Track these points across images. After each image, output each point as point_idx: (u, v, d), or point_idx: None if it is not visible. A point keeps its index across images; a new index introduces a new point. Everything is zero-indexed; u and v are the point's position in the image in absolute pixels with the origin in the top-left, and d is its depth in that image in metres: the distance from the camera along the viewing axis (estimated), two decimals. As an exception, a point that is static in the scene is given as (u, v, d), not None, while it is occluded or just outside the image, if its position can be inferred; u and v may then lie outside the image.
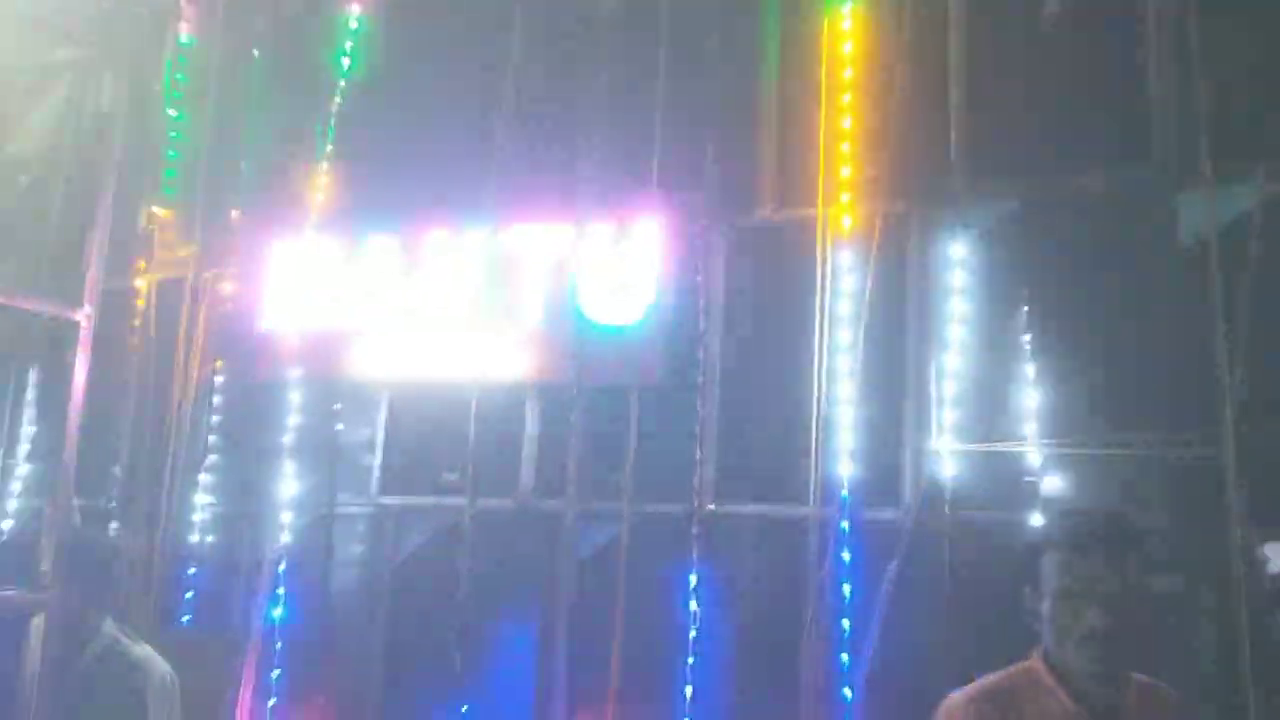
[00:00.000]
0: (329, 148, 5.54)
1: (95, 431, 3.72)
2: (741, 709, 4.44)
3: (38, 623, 2.14)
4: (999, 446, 4.05)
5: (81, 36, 4.59)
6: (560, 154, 5.04)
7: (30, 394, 6.20)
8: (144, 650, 3.58)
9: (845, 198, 4.47)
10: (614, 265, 4.79)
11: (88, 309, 2.23)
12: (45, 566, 2.15)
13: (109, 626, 3.57)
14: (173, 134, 6.07)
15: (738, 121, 4.85)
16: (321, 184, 5.52)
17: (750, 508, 4.58)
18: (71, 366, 2.36)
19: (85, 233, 6.06)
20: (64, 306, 2.25)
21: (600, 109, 5.06)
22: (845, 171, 4.49)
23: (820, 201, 4.53)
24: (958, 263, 4.24)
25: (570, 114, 5.07)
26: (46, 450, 5.98)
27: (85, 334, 2.23)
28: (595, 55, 5.14)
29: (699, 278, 4.73)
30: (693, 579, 4.46)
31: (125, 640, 3.58)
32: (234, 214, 5.80)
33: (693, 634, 4.43)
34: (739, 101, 4.87)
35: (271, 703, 5.10)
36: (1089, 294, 4.10)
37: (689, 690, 4.38)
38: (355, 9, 5.66)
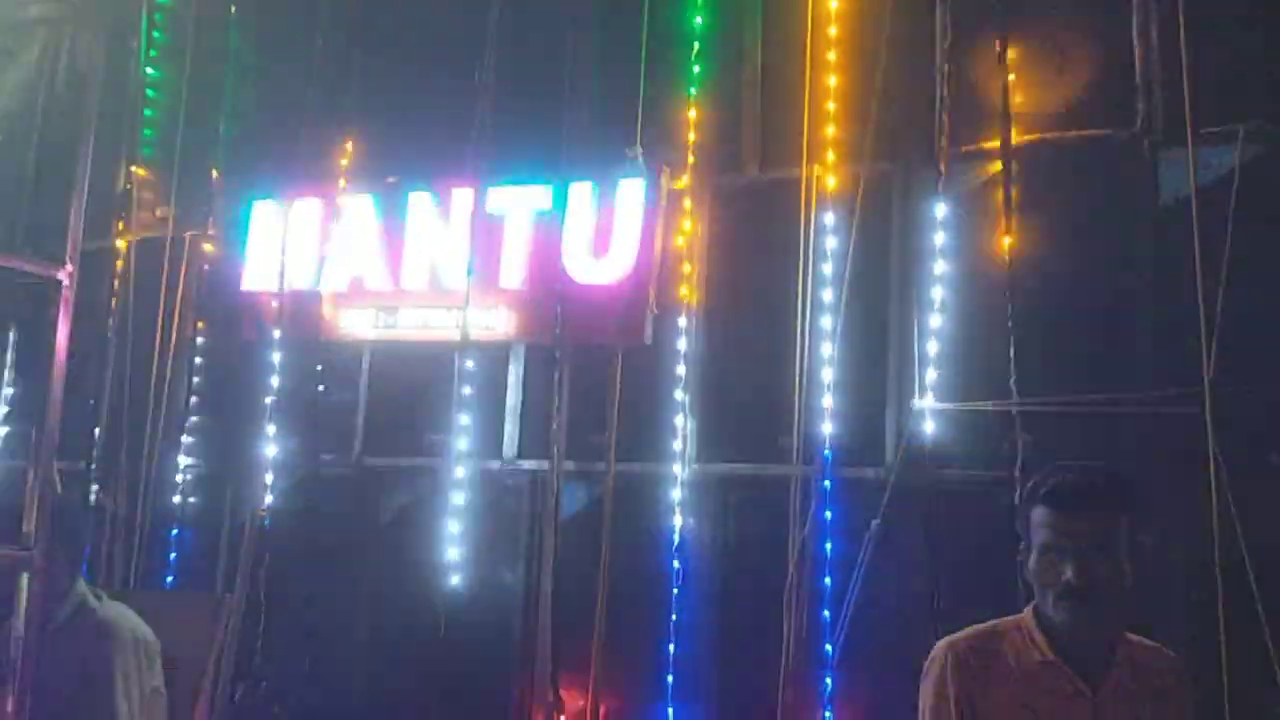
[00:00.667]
0: (309, 108, 5.48)
1: (75, 393, 3.71)
2: (725, 665, 4.49)
3: (24, 582, 2.14)
4: (981, 406, 4.07)
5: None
6: (544, 115, 5.00)
7: (8, 356, 6.15)
8: (114, 610, 3.56)
9: (829, 157, 4.47)
10: (598, 226, 4.78)
11: (69, 268, 2.21)
12: (29, 527, 2.15)
13: (81, 586, 3.56)
14: (150, 92, 6.00)
15: (721, 80, 4.83)
16: (301, 144, 5.47)
17: (733, 467, 4.61)
18: (51, 327, 2.33)
19: (63, 192, 6.04)
20: (45, 265, 2.23)
21: (584, 69, 5.03)
22: (829, 131, 4.48)
23: (804, 161, 4.52)
24: (940, 222, 4.24)
25: (554, 74, 5.03)
26: (26, 412, 5.95)
27: (67, 293, 2.21)
28: (579, 14, 5.10)
29: (682, 238, 4.72)
30: (676, 538, 4.50)
31: (94, 601, 3.57)
32: (213, 174, 5.74)
33: (676, 592, 4.47)
34: (723, 60, 4.84)
35: (255, 662, 5.14)
36: (1071, 253, 4.12)
37: (672, 647, 4.43)
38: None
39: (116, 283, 5.80)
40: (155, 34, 5.99)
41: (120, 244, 5.87)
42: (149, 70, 5.98)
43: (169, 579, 5.46)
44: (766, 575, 4.34)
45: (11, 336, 6.17)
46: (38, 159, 6.21)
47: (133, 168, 5.96)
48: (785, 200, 4.56)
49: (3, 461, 5.97)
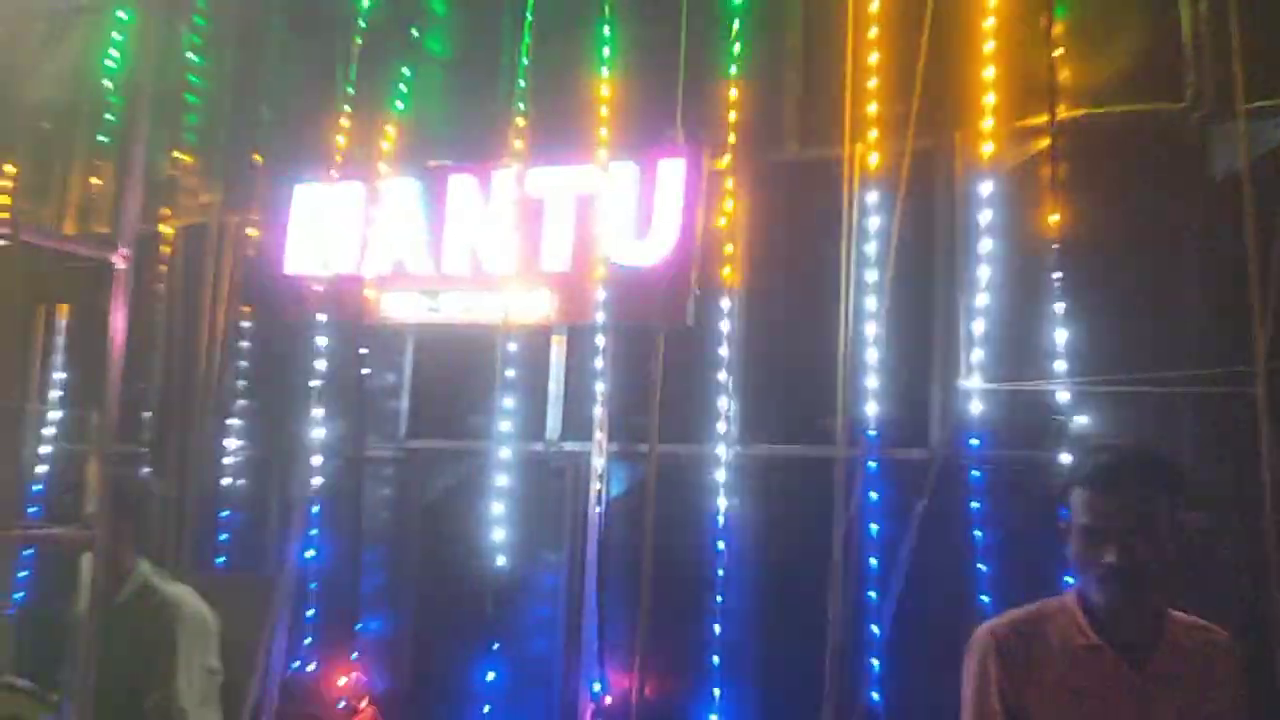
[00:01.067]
0: (351, 90, 5.51)
1: (125, 377, 3.76)
2: (770, 648, 4.49)
3: (86, 560, 2.18)
4: (1028, 385, 4.03)
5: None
6: (584, 96, 4.99)
7: (60, 340, 6.24)
8: (178, 590, 3.65)
9: (872, 135, 4.43)
10: (639, 207, 4.77)
11: (124, 251, 2.23)
12: (91, 507, 2.19)
13: (144, 566, 3.65)
14: (192, 79, 6.05)
15: (762, 58, 4.79)
16: (344, 127, 5.50)
17: (777, 448, 4.60)
18: (102, 311, 2.37)
19: (112, 178, 6.10)
20: (101, 249, 2.26)
21: (623, 49, 5.01)
22: (872, 108, 4.44)
23: (847, 139, 4.48)
24: (986, 200, 4.19)
25: (594, 55, 5.01)
26: (77, 395, 6.03)
27: (122, 276, 2.24)
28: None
29: (724, 219, 4.70)
30: (720, 519, 4.50)
31: (159, 580, 3.65)
32: (256, 158, 5.79)
33: (720, 574, 4.47)
34: (763, 38, 4.80)
35: (306, 642, 5.21)
36: (1119, 230, 4.06)
37: (717, 628, 4.44)
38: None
39: (163, 268, 5.87)
40: (196, 20, 6.03)
41: (166, 229, 5.93)
42: (190, 56, 6.02)
43: (218, 561, 5.53)
44: (811, 557, 4.33)
45: (62, 322, 6.26)
46: (87, 146, 6.28)
47: (176, 154, 6.02)
48: (828, 179, 4.53)
49: (57, 445, 6.06)
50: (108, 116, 6.13)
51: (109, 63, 6.16)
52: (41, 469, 5.93)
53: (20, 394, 5.67)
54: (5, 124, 6.02)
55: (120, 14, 6.00)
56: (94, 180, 6.22)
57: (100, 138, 6.16)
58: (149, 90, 2.60)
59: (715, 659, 4.42)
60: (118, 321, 2.22)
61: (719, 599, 4.45)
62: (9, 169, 6.24)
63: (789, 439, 4.59)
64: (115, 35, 6.13)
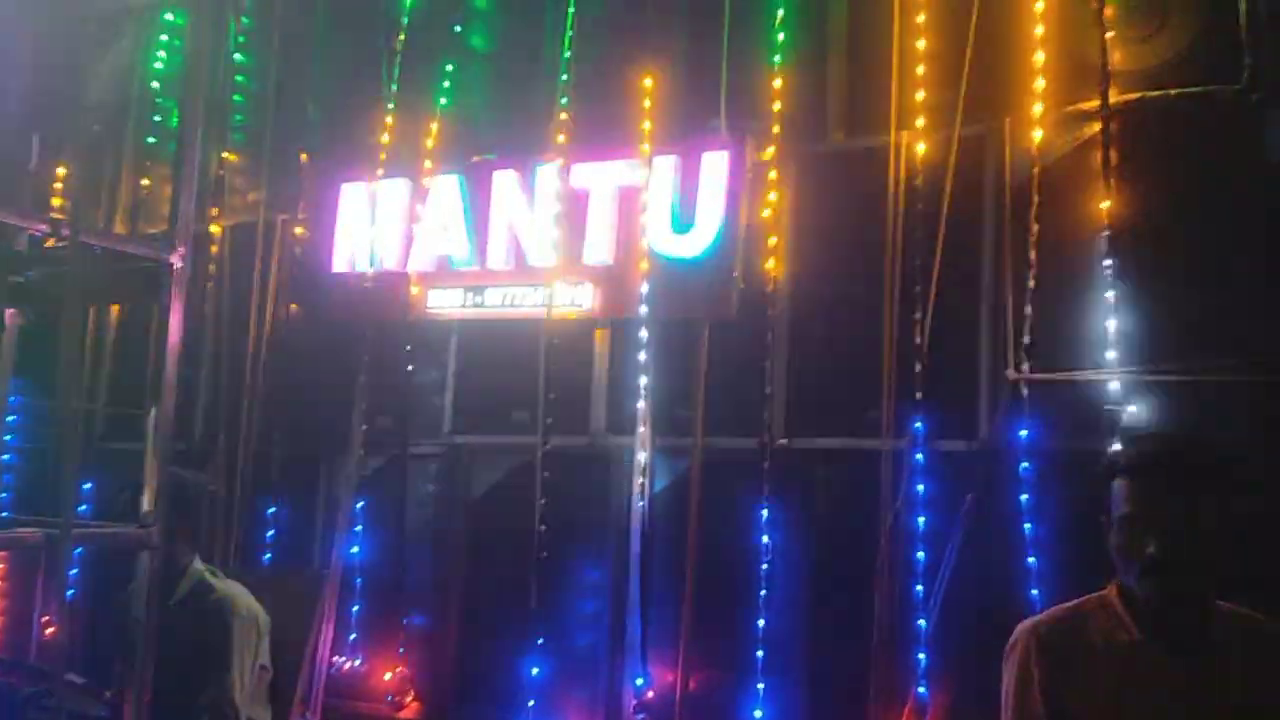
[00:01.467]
0: (395, 88, 5.53)
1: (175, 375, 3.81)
2: (815, 641, 4.46)
3: (143, 558, 2.21)
4: (1079, 375, 3.97)
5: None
6: (627, 88, 4.97)
7: (110, 339, 6.33)
8: (232, 588, 3.69)
9: (919, 123, 4.37)
10: (682, 199, 4.75)
11: (181, 250, 2.25)
12: (148, 506, 2.21)
13: (197, 564, 3.69)
14: (239, 78, 6.10)
15: (806, 47, 4.75)
16: (388, 125, 5.53)
17: (823, 441, 4.56)
18: (153, 310, 2.39)
19: (159, 178, 6.16)
20: (158, 248, 2.27)
21: (666, 40, 4.99)
22: (919, 96, 4.38)
23: (893, 127, 4.43)
24: (1036, 186, 4.13)
25: (636, 46, 5.00)
26: (127, 394, 6.11)
27: (180, 276, 2.26)
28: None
29: (768, 210, 4.67)
30: (764, 513, 4.47)
31: (214, 578, 3.69)
32: (302, 157, 5.83)
33: (765, 567, 4.45)
34: (807, 26, 4.76)
35: (351, 638, 5.24)
36: (1173, 216, 3.99)
37: (762, 622, 4.42)
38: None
39: (211, 267, 5.93)
40: (242, 19, 6.08)
41: (214, 229, 5.99)
42: (237, 56, 6.08)
43: (266, 557, 5.58)
44: (857, 550, 4.29)
45: (112, 322, 6.34)
46: (136, 147, 6.35)
47: (224, 153, 6.07)
48: (874, 168, 4.48)
49: (108, 444, 6.14)
50: (156, 117, 6.20)
51: (157, 64, 6.24)
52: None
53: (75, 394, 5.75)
54: (58, 126, 6.11)
55: (168, 15, 6.06)
56: (144, 181, 6.30)
57: (149, 139, 6.24)
58: (201, 90, 2.61)
59: (760, 653, 4.39)
60: (175, 320, 2.24)
61: (763, 592, 4.43)
62: (62, 171, 6.32)
63: (835, 431, 4.54)
64: (163, 36, 6.20)
